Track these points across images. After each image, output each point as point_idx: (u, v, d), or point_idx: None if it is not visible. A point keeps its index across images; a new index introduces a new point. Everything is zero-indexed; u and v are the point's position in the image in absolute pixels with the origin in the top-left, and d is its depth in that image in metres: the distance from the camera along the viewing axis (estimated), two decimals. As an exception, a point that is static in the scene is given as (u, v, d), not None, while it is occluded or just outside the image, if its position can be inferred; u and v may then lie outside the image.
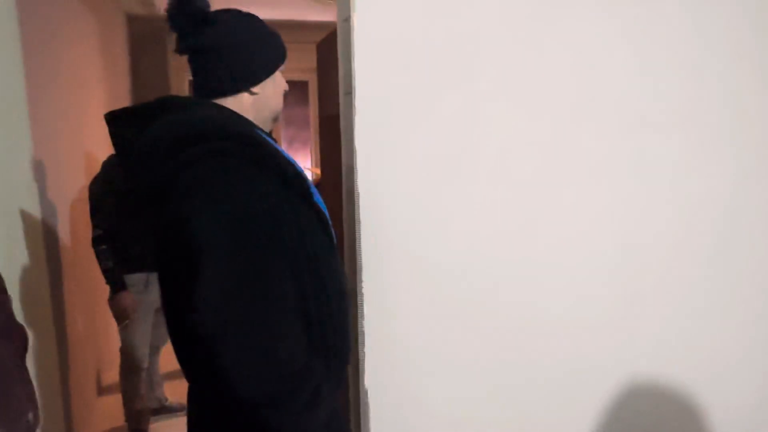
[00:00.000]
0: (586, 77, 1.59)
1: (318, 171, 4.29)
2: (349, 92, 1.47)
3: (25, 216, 1.49)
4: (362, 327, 1.51)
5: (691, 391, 1.78)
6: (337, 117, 1.60)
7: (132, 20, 5.13)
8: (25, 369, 0.93)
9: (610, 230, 1.67)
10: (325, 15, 5.28)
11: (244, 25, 1.19)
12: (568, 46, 1.57)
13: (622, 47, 1.60)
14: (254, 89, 1.17)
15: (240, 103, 1.16)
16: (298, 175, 1.08)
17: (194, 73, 1.20)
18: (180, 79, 5.37)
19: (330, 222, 1.15)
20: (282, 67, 1.21)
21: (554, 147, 1.59)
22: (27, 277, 1.50)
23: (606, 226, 1.66)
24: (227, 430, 1.08)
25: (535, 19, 1.54)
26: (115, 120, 1.14)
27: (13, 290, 1.36)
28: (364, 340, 1.51)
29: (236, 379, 0.97)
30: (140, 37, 5.19)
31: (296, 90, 6.19)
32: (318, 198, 1.14)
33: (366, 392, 1.53)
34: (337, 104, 1.59)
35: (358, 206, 1.47)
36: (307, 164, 6.21)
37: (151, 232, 1.13)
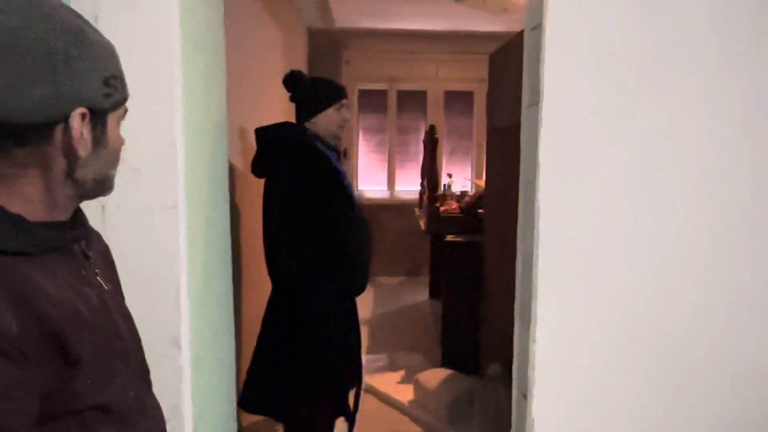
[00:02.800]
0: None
1: (481, 183, 4.22)
2: (535, 103, 1.40)
3: (219, 220, 1.61)
4: (533, 352, 1.42)
5: None
6: (507, 129, 1.54)
7: (312, 33, 5.47)
8: (143, 402, 0.92)
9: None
10: (492, 26, 5.20)
11: (316, 84, 2.20)
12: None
13: None
14: (312, 119, 2.16)
15: (316, 125, 2.15)
16: (332, 170, 2.10)
17: (297, 108, 2.19)
18: (350, 88, 5.61)
19: (356, 204, 2.17)
20: (336, 105, 2.17)
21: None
22: (219, 274, 1.61)
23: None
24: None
25: (748, 26, 1.36)
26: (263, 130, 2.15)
27: (209, 288, 1.47)
28: (534, 366, 1.43)
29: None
30: (318, 48, 5.53)
31: (460, 100, 6.17)
32: (351, 190, 2.17)
33: (533, 421, 1.44)
34: (509, 116, 1.54)
35: (538, 223, 1.39)
36: (467, 175, 6.15)
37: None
